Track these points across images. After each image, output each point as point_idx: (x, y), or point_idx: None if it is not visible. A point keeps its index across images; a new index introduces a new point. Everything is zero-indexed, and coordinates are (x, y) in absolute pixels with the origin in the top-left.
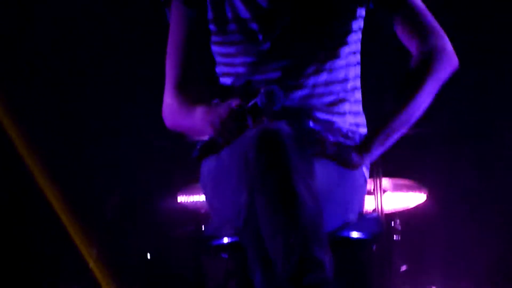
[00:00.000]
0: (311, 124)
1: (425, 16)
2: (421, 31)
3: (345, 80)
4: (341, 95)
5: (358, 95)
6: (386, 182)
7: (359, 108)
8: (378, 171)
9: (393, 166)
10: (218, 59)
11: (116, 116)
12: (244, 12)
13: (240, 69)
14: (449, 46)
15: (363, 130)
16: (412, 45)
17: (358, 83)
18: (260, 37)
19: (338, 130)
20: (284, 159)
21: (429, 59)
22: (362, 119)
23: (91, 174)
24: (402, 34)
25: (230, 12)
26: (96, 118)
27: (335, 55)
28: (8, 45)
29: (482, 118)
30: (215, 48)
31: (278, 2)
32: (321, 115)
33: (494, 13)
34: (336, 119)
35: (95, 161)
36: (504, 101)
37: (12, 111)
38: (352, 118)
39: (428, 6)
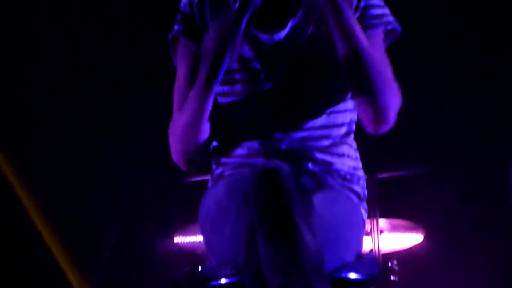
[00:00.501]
0: (310, 166)
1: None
2: None
3: (342, 124)
4: (339, 138)
5: (354, 140)
6: (383, 222)
7: (357, 153)
8: (375, 211)
9: (390, 207)
10: (219, 99)
11: (115, 155)
12: (248, 52)
13: (241, 108)
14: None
15: (361, 173)
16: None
17: (353, 128)
18: (262, 76)
19: (336, 172)
20: (284, 196)
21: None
22: (359, 164)
23: (88, 214)
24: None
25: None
26: (95, 158)
27: (334, 99)
28: None
29: (478, 158)
30: (216, 88)
31: (282, 45)
32: (320, 156)
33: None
34: (335, 160)
35: (93, 200)
36: (499, 141)
37: (8, 152)
38: (350, 161)
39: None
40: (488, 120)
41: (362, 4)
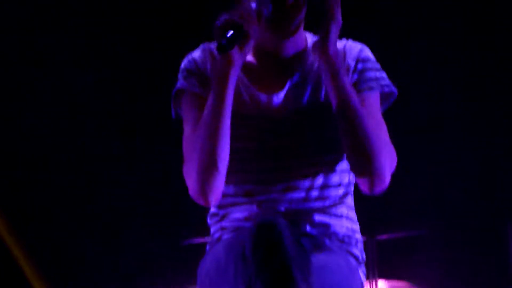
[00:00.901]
0: (308, 228)
1: (379, 130)
2: None
3: (341, 185)
4: (338, 199)
5: (352, 201)
6: (382, 284)
7: (354, 214)
8: (374, 273)
9: (389, 268)
10: None
11: (114, 219)
12: (248, 110)
13: (239, 166)
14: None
15: (359, 236)
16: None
17: (351, 189)
18: (261, 135)
19: (334, 234)
20: (282, 252)
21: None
22: (357, 226)
23: (90, 277)
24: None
25: (235, 106)
26: (94, 215)
27: (332, 160)
28: None
29: (479, 220)
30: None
31: (281, 106)
32: (318, 218)
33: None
34: (333, 221)
35: (94, 263)
36: (499, 203)
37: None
38: (349, 223)
39: None
40: (487, 181)
41: (359, 66)
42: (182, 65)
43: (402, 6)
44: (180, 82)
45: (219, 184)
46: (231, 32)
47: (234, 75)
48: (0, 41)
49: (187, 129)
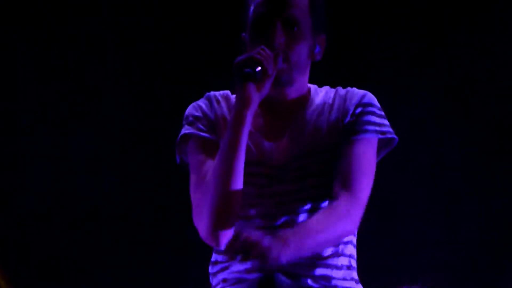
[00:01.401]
0: (309, 282)
1: (360, 173)
2: (346, 183)
3: None
4: (338, 248)
5: (354, 250)
6: None
7: (355, 263)
8: None
9: None
10: None
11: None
12: (252, 156)
13: (241, 212)
14: (354, 211)
15: (360, 286)
16: (333, 185)
17: (353, 238)
18: (264, 182)
19: None
20: None
21: (332, 215)
22: (356, 275)
23: None
24: (334, 171)
25: None
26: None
27: None
28: None
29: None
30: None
31: (282, 153)
32: (319, 270)
33: None
34: (334, 273)
35: None
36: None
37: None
38: (348, 274)
39: None
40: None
41: (358, 110)
42: (187, 112)
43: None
44: (186, 128)
45: (232, 226)
46: (252, 64)
47: (251, 113)
48: None
49: (195, 173)
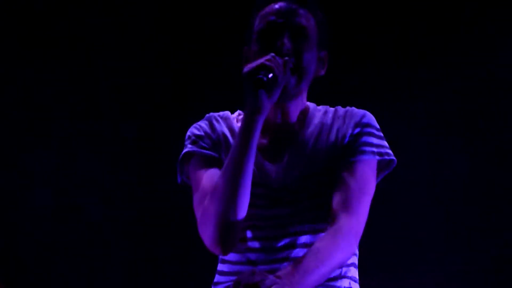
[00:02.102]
0: None
1: (359, 195)
2: (346, 204)
3: None
4: (340, 270)
5: (356, 272)
6: None
7: (357, 286)
8: None
9: None
10: None
11: None
12: (256, 177)
13: (242, 233)
14: (354, 233)
15: None
16: (332, 207)
17: (356, 260)
18: (265, 203)
19: None
20: None
21: (334, 238)
22: None
23: None
24: (334, 192)
25: None
26: None
27: None
28: None
29: None
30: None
31: (286, 174)
32: None
33: None
34: None
35: None
36: None
37: None
38: None
39: None
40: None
41: (356, 131)
42: (189, 132)
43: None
44: (189, 147)
45: (238, 233)
46: (263, 71)
47: (262, 120)
48: None
49: (198, 188)
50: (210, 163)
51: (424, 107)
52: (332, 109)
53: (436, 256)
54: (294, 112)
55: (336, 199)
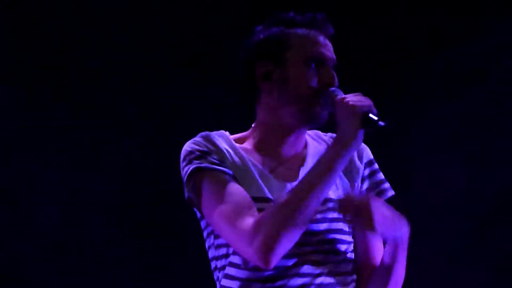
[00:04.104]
0: None
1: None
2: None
3: (353, 273)
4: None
5: None
6: None
7: None
8: None
9: None
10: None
11: None
12: (259, 190)
13: None
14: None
15: None
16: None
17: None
18: None
19: None
20: None
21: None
22: None
23: None
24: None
25: (254, 191)
26: None
27: (346, 249)
28: None
29: None
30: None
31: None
32: None
33: None
34: None
35: None
36: None
37: None
38: None
39: None
40: None
41: (367, 172)
42: (189, 148)
43: None
44: (196, 163)
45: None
46: (371, 113)
47: (351, 154)
48: None
49: (227, 201)
50: (226, 179)
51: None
52: (326, 135)
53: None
54: (302, 135)
55: (361, 251)
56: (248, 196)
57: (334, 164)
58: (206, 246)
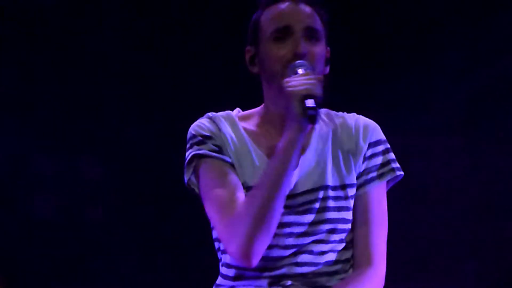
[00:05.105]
0: None
1: (380, 237)
2: (368, 252)
3: (350, 260)
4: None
5: None
6: None
7: None
8: None
9: None
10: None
11: None
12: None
13: None
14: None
15: None
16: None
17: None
18: None
19: None
20: None
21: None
22: None
23: None
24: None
25: (251, 178)
26: None
27: (343, 239)
28: None
29: None
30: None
31: (297, 183)
32: None
33: None
34: None
35: None
36: None
37: None
38: None
39: None
40: None
41: (369, 153)
42: (193, 131)
43: None
44: (196, 148)
45: (266, 247)
46: (313, 100)
47: (302, 139)
48: None
49: (216, 194)
50: (223, 168)
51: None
52: (337, 114)
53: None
54: None
55: (357, 239)
56: (241, 187)
57: (285, 157)
58: (211, 226)
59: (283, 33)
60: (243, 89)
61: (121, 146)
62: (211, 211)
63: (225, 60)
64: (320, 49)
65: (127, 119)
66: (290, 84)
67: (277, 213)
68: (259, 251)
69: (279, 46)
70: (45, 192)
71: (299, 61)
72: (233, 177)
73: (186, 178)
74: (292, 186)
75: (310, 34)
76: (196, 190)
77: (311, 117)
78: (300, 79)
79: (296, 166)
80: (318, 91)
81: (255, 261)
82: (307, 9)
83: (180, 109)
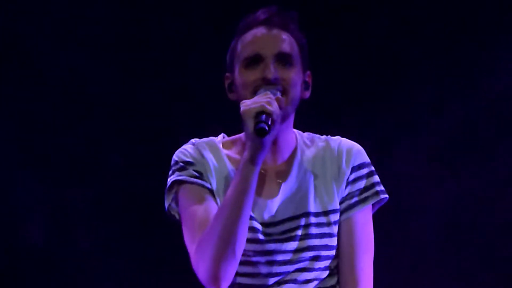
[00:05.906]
0: None
1: (365, 258)
2: (354, 274)
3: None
4: None
5: None
6: None
7: None
8: None
9: None
10: None
11: None
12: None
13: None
14: None
15: None
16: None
17: None
18: (258, 239)
19: None
20: None
21: None
22: None
23: None
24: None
25: None
26: None
27: (328, 266)
28: None
29: None
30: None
31: (278, 212)
32: None
33: None
34: None
35: None
36: None
37: None
38: None
39: None
40: None
41: (352, 177)
42: (176, 158)
43: None
44: (177, 174)
45: (234, 270)
46: (264, 116)
47: (262, 158)
48: None
49: (190, 221)
50: (202, 194)
51: None
52: (321, 138)
53: None
54: (283, 142)
55: (342, 262)
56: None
57: (244, 176)
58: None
59: (253, 59)
60: (229, 115)
61: (108, 173)
62: (185, 235)
63: (210, 89)
64: (294, 74)
65: (114, 146)
66: (244, 104)
67: (242, 233)
68: (227, 273)
69: (249, 73)
70: (31, 220)
71: (268, 86)
72: (211, 203)
73: (166, 204)
74: (273, 213)
75: (283, 59)
76: (177, 216)
77: (259, 130)
78: (254, 99)
79: (277, 193)
80: (272, 108)
81: (225, 285)
82: (281, 34)
83: (168, 136)
